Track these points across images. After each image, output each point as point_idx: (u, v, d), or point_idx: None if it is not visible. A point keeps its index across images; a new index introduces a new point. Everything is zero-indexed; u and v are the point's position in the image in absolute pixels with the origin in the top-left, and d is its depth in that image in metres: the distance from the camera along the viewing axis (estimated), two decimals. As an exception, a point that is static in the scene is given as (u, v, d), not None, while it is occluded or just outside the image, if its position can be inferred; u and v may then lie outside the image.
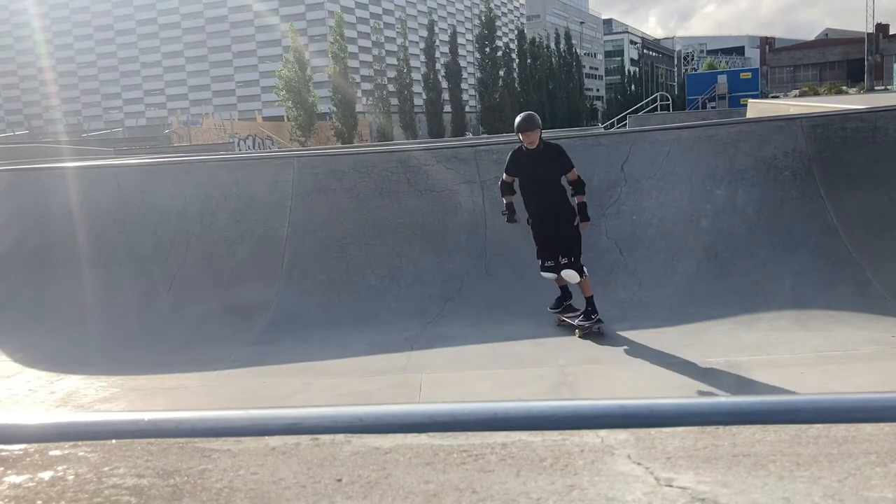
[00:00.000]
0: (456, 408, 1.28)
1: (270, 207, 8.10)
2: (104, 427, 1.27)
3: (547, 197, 6.09)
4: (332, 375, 5.68)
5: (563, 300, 6.48)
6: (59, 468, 1.11)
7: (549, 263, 6.22)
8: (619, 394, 4.83)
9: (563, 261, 6.07)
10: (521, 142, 6.05)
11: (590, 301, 6.11)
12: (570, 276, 6.08)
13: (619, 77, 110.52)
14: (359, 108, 58.72)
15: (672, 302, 6.68)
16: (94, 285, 7.67)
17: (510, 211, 6.37)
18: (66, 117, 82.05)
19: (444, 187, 8.06)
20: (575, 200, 6.11)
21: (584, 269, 6.08)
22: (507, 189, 6.34)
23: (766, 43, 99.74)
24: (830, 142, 7.63)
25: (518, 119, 6.03)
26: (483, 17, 67.78)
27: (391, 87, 61.02)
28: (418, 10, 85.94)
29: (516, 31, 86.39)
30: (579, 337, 6.04)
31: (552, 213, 6.09)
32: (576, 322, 6.14)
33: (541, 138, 6.02)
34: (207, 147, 28.70)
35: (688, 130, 8.38)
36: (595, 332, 6.06)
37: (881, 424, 1.16)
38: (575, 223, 6.09)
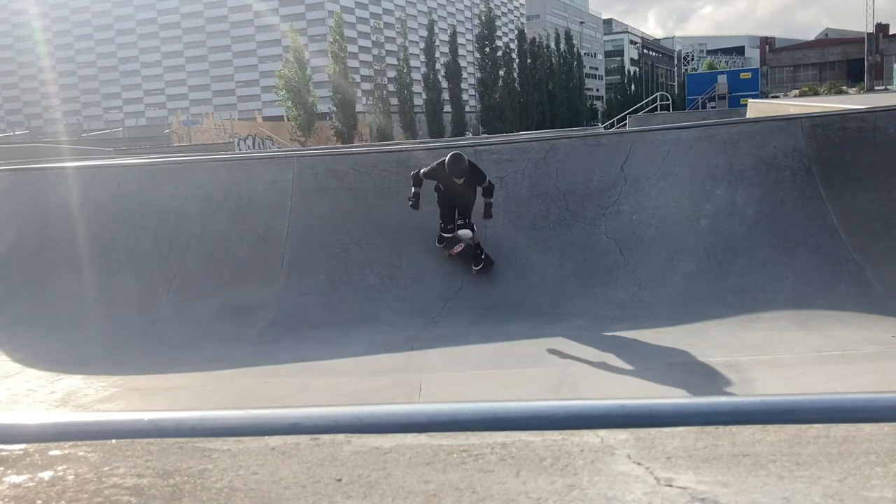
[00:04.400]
0: (456, 408, 1.28)
1: (270, 207, 8.10)
2: (104, 427, 1.27)
3: (462, 202, 7.31)
4: (332, 375, 5.69)
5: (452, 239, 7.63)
6: (59, 468, 1.11)
7: (450, 227, 7.37)
8: (619, 394, 4.83)
9: (459, 222, 7.32)
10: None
11: (479, 246, 7.43)
12: (465, 234, 7.32)
13: (619, 77, 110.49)
14: (359, 108, 58.71)
15: (672, 302, 6.67)
16: (94, 285, 7.67)
17: (416, 198, 7.28)
18: (66, 117, 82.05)
19: (444, 187, 8.05)
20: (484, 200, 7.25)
21: (474, 225, 7.30)
22: (418, 182, 7.24)
23: (766, 43, 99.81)
24: (830, 142, 7.63)
25: (451, 163, 6.86)
26: (483, 17, 67.72)
27: (391, 87, 60.98)
28: (418, 10, 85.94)
29: (516, 31, 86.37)
30: (475, 274, 7.39)
31: (462, 208, 7.36)
32: (471, 257, 7.49)
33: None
34: (207, 147, 28.69)
35: (688, 130, 8.39)
36: (489, 269, 7.38)
37: (881, 424, 1.16)
38: (483, 219, 7.31)
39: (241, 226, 8.02)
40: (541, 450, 1.12)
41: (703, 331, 6.04)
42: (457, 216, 7.40)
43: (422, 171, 7.25)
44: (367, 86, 64.13)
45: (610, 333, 6.14)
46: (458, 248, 7.53)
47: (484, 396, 4.86)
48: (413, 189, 7.31)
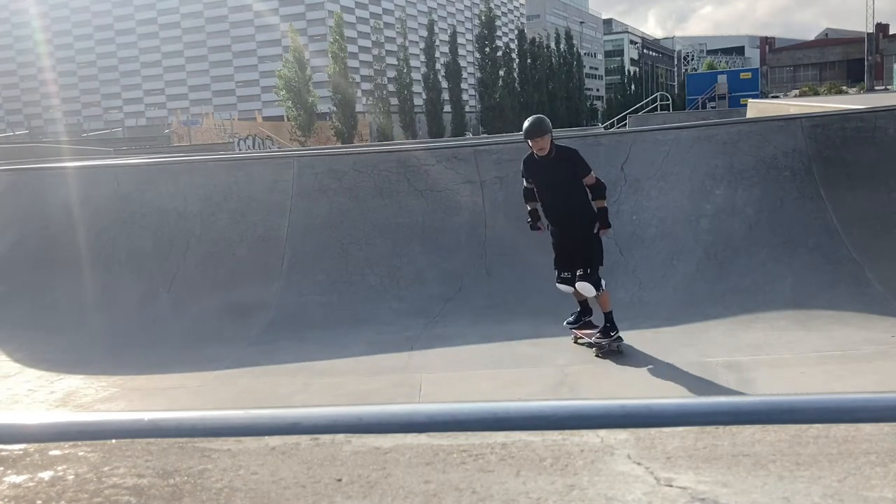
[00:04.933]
0: (456, 408, 1.28)
1: (270, 207, 8.10)
2: (104, 427, 1.27)
3: (563, 204, 5.63)
4: (332, 375, 5.69)
5: (583, 315, 5.95)
6: (59, 468, 1.11)
7: (565, 275, 5.76)
8: (619, 394, 4.83)
9: (579, 272, 5.57)
10: (530, 148, 5.55)
11: (608, 317, 5.64)
12: (585, 289, 5.61)
13: (619, 77, 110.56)
14: (359, 108, 58.72)
15: (672, 302, 6.67)
16: (94, 285, 7.67)
17: (533, 217, 5.89)
18: (66, 117, 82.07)
19: (444, 187, 8.06)
20: (596, 205, 5.66)
21: (603, 282, 5.62)
22: (528, 195, 5.86)
23: (766, 43, 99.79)
24: (830, 142, 7.63)
25: (525, 124, 5.50)
26: (483, 17, 67.77)
27: (391, 87, 61.02)
28: (418, 10, 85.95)
29: (516, 31, 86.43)
30: (596, 356, 5.60)
31: (568, 220, 5.65)
32: (593, 339, 5.69)
33: (553, 143, 5.49)
34: (207, 147, 28.70)
35: (688, 130, 8.39)
36: (615, 350, 5.61)
37: (881, 424, 1.16)
38: (595, 230, 5.62)
39: (241, 226, 8.02)
40: (541, 450, 1.12)
41: (703, 331, 6.04)
42: (574, 258, 5.64)
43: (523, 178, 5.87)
44: (367, 86, 64.16)
45: (610, 333, 6.13)
46: (590, 333, 5.77)
47: (484, 396, 4.86)
48: (527, 206, 5.93)
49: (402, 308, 7.11)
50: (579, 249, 5.63)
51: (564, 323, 6.00)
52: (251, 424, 1.24)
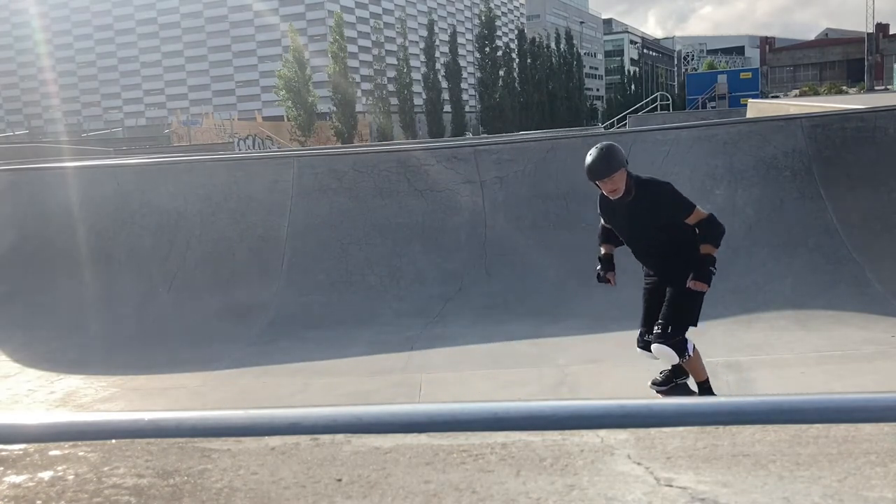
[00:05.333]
0: (456, 408, 1.28)
1: (270, 207, 8.10)
2: (104, 427, 1.27)
3: (653, 252, 4.36)
4: (332, 375, 5.69)
5: (675, 376, 4.59)
6: (59, 468, 1.11)
7: (647, 337, 4.40)
8: (619, 394, 4.83)
9: (656, 330, 4.26)
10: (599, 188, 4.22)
11: (704, 387, 4.40)
12: (662, 353, 4.28)
13: (619, 77, 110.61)
14: (359, 108, 58.74)
15: (672, 302, 6.67)
16: (94, 285, 7.67)
17: (604, 266, 4.55)
18: (66, 117, 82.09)
19: (444, 187, 8.06)
20: (701, 250, 4.20)
21: (690, 344, 4.31)
22: (605, 235, 4.59)
23: (766, 43, 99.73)
24: (830, 142, 7.63)
25: (587, 160, 4.06)
26: (483, 17, 67.80)
27: (391, 87, 61.05)
28: (418, 10, 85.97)
29: (516, 31, 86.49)
30: None
31: (661, 269, 4.37)
32: None
33: (630, 177, 4.09)
34: (207, 147, 28.69)
35: (688, 130, 8.39)
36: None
37: (881, 424, 1.16)
38: (687, 285, 4.17)
39: (241, 226, 8.03)
40: (541, 450, 1.12)
41: (703, 331, 6.01)
42: (660, 310, 4.29)
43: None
44: (367, 86, 64.16)
45: (610, 333, 6.13)
46: None
47: (484, 396, 4.86)
48: (601, 249, 4.60)
49: (402, 308, 7.11)
50: (663, 306, 4.31)
51: (650, 384, 4.64)
52: (251, 424, 1.24)
